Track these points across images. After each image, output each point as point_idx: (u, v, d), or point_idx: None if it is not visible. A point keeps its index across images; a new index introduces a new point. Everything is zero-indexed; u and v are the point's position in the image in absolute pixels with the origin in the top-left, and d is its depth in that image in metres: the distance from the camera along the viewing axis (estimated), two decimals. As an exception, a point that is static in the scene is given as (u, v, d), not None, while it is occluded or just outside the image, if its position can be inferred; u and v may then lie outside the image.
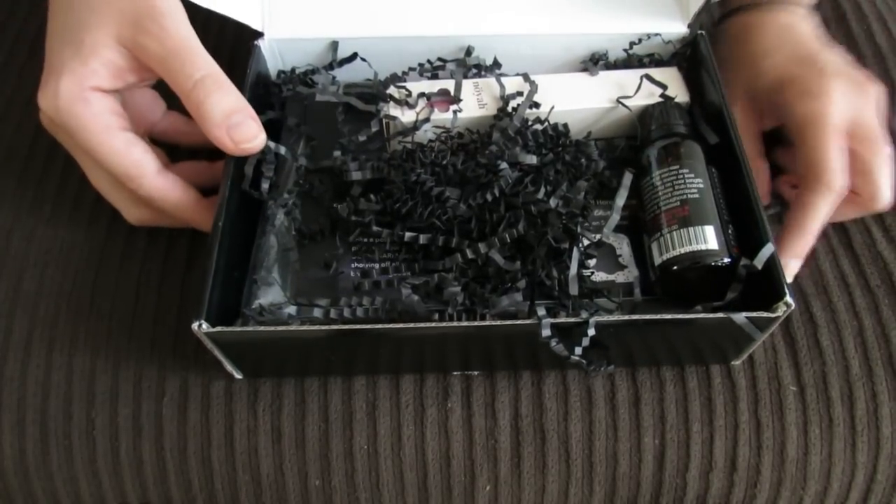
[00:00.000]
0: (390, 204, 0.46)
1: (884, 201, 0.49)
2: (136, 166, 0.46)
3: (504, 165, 0.46)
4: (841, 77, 0.49)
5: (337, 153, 0.50)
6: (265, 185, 0.48)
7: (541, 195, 0.44)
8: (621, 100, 0.51)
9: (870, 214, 0.52)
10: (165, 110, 0.53)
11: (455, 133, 0.50)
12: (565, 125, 0.50)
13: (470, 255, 0.44)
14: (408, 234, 0.45)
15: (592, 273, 0.46)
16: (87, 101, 0.44)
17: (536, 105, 0.50)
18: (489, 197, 0.45)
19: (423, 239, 0.45)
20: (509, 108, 0.50)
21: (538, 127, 0.50)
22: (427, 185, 0.46)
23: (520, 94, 0.50)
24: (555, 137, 0.50)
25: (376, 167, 0.48)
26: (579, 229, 0.45)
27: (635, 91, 0.51)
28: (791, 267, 0.48)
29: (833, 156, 0.47)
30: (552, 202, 0.44)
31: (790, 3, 0.55)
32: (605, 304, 0.44)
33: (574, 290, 0.43)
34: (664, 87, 0.51)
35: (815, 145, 0.48)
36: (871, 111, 0.49)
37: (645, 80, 0.51)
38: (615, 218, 0.47)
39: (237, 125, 0.45)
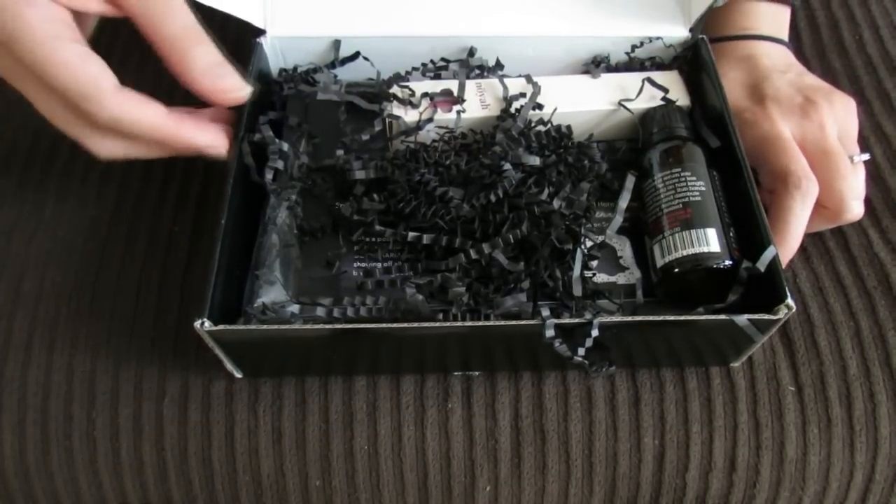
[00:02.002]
0: (394, 203, 0.46)
1: (852, 212, 0.49)
2: (93, 83, 0.41)
3: (507, 166, 0.46)
4: (779, 102, 0.51)
5: (340, 152, 0.50)
6: (269, 175, 0.48)
7: (544, 196, 0.45)
8: (623, 102, 0.51)
9: (846, 224, 0.52)
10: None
11: (458, 133, 0.50)
12: (568, 127, 0.50)
13: (474, 255, 0.44)
14: (411, 234, 0.45)
15: (594, 274, 0.46)
16: (35, 4, 0.39)
17: (539, 106, 0.50)
18: (493, 197, 0.45)
19: (426, 239, 0.45)
20: (512, 110, 0.50)
21: (541, 128, 0.50)
22: (431, 185, 0.46)
23: (522, 95, 0.50)
24: (557, 139, 0.50)
25: (379, 166, 0.48)
26: (582, 231, 0.45)
27: (637, 94, 0.51)
28: None
29: (791, 157, 0.49)
30: (555, 203, 0.45)
31: (757, 38, 0.56)
32: (606, 305, 0.45)
33: (578, 291, 0.44)
34: (665, 90, 0.51)
35: (772, 158, 0.49)
36: (816, 130, 0.50)
37: (646, 83, 0.52)
38: (618, 220, 0.47)
39: (224, 76, 0.44)
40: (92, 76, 0.41)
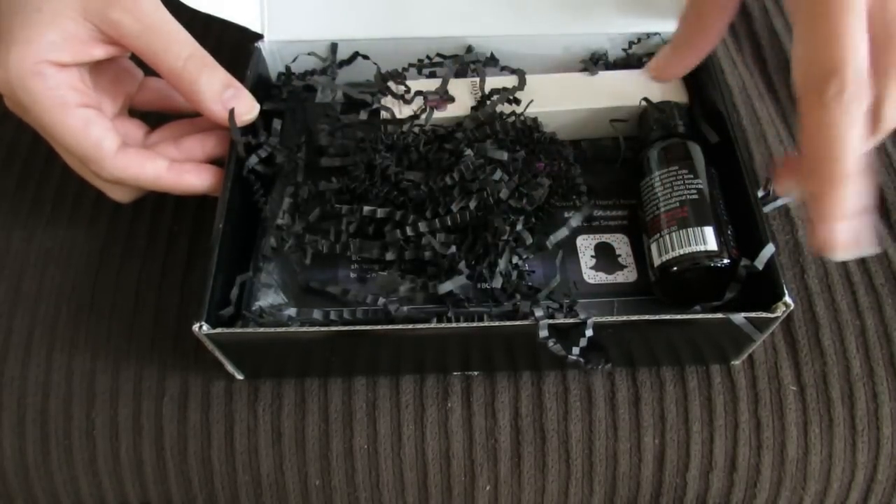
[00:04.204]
0: (346, 183, 0.47)
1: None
2: (95, 147, 0.44)
3: (468, 151, 0.46)
4: None
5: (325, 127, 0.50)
6: (254, 161, 0.48)
7: (496, 177, 0.44)
8: (621, 101, 0.51)
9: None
10: (142, 78, 0.51)
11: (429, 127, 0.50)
12: (535, 119, 0.50)
13: (409, 232, 0.44)
14: (366, 209, 0.45)
15: (526, 270, 0.46)
16: (42, 74, 0.42)
17: (517, 101, 0.50)
18: (448, 180, 0.45)
19: (381, 213, 0.45)
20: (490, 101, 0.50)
21: (511, 119, 0.49)
22: (384, 163, 0.46)
23: (514, 89, 0.50)
24: (524, 131, 0.49)
25: (342, 145, 0.48)
26: (520, 226, 0.45)
27: (634, 92, 0.51)
28: (837, 233, 0.37)
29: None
30: (504, 192, 0.44)
31: None
32: (550, 304, 0.44)
33: (497, 283, 0.44)
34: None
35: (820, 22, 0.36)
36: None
37: (644, 78, 0.51)
38: (563, 231, 0.47)
39: (232, 98, 0.46)
40: (93, 141, 0.44)
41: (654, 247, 0.45)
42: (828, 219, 0.37)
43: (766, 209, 0.51)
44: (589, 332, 0.41)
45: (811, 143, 0.37)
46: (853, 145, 0.35)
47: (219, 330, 0.41)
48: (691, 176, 0.46)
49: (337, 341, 0.43)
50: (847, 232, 0.37)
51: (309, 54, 0.54)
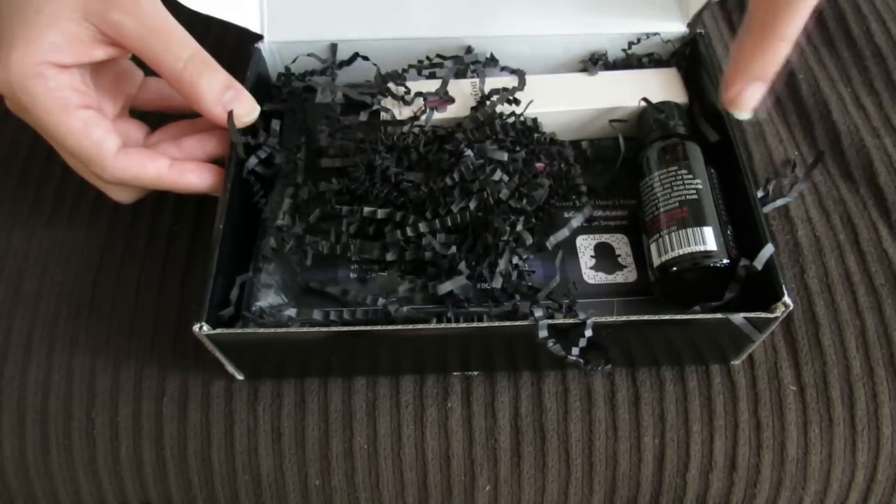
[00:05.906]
0: (346, 184, 0.47)
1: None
2: (96, 148, 0.44)
3: (468, 152, 0.46)
4: None
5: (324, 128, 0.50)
6: (254, 161, 0.48)
7: (496, 177, 0.45)
8: (620, 101, 0.51)
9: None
10: (142, 79, 0.51)
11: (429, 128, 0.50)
12: (534, 119, 0.50)
13: (410, 232, 0.44)
14: (366, 210, 0.46)
15: (530, 271, 0.46)
16: (43, 76, 0.42)
17: (517, 101, 0.50)
18: (448, 181, 0.45)
19: (381, 213, 0.45)
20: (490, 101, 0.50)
21: (511, 120, 0.50)
22: (384, 164, 0.46)
23: (511, 90, 0.50)
24: (524, 132, 0.49)
25: (342, 146, 0.49)
26: (520, 226, 0.45)
27: (634, 92, 0.51)
28: (751, 93, 0.46)
29: None
30: (504, 193, 0.44)
31: None
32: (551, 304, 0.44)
33: (497, 283, 0.44)
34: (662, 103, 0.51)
35: None
36: None
37: (644, 77, 0.51)
38: (564, 232, 0.47)
39: (233, 100, 0.46)
40: (94, 142, 0.44)
41: (653, 247, 0.45)
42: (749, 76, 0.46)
43: (766, 209, 0.51)
44: (588, 333, 0.41)
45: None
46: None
47: (219, 330, 0.41)
48: (690, 176, 0.46)
49: (337, 341, 0.43)
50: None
51: (308, 55, 0.54)
